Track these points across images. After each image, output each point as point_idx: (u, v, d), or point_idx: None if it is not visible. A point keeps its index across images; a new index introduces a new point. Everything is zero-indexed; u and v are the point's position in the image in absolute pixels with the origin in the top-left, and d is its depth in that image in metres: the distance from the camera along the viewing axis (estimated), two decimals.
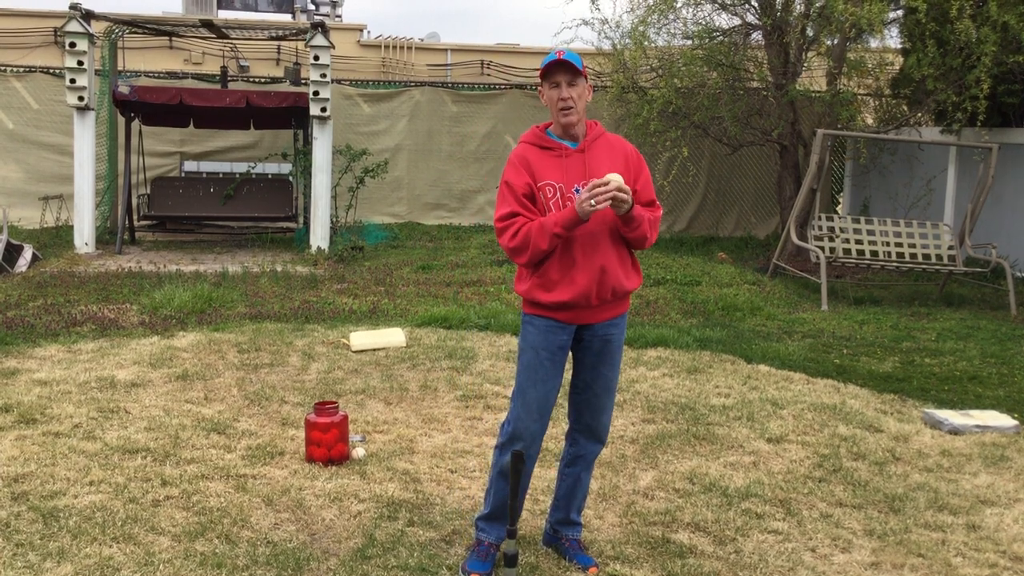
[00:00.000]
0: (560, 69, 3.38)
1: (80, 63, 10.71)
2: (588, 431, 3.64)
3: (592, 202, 3.23)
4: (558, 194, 3.40)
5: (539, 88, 3.52)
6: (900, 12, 11.70)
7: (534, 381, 3.48)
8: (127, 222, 11.98)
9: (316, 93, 11.04)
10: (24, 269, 9.93)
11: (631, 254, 3.55)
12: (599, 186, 3.23)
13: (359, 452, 4.70)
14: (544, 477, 4.47)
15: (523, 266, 3.49)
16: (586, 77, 3.47)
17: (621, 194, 3.26)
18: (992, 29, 9.96)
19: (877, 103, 13.01)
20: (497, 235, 3.47)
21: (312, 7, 18.44)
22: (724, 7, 12.34)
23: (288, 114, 12.10)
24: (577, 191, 3.39)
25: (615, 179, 3.27)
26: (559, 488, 3.74)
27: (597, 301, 3.44)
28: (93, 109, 11.15)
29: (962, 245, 10.24)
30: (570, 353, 3.59)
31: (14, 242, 10.44)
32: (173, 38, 14.41)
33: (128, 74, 13.66)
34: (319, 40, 10.99)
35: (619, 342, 3.57)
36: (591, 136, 3.50)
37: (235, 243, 12.58)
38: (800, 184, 11.49)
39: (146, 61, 14.75)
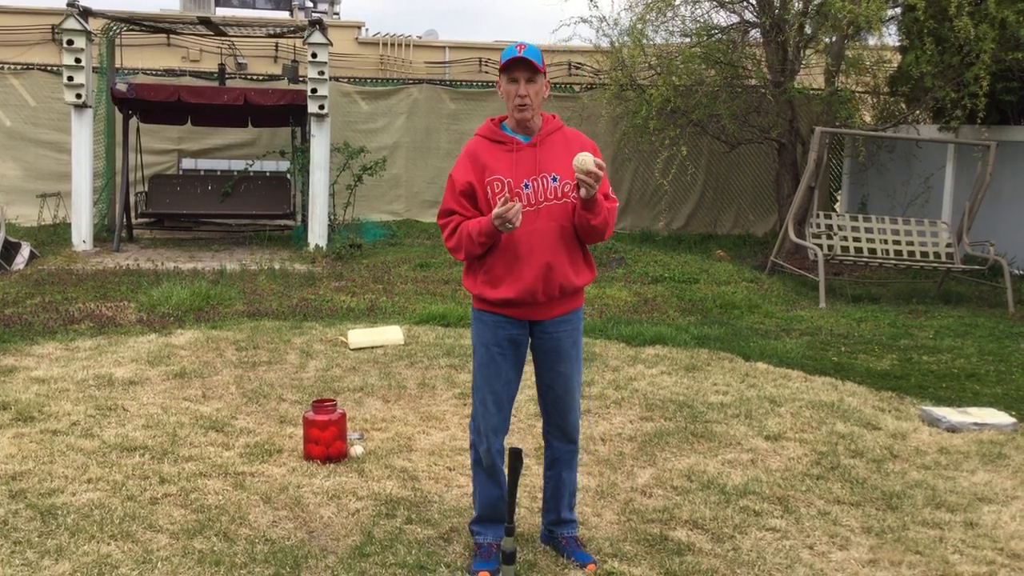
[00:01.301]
0: (520, 66, 3.37)
1: (78, 60, 10.70)
2: (559, 431, 3.64)
3: (508, 225, 3.26)
4: (506, 189, 3.39)
5: (496, 81, 3.51)
6: (899, 9, 11.69)
7: (487, 377, 3.50)
8: (125, 220, 11.96)
9: (314, 91, 11.03)
10: (22, 267, 9.92)
11: (583, 250, 3.54)
12: (510, 210, 3.23)
13: (357, 450, 4.70)
14: (542, 475, 4.46)
15: (465, 261, 3.50)
16: (544, 72, 3.45)
17: (589, 178, 3.25)
18: (991, 26, 9.96)
19: (875, 101, 13.01)
20: (440, 230, 3.52)
21: (310, 4, 18.42)
22: (722, 5, 12.33)
23: (286, 112, 12.08)
24: (526, 186, 3.39)
25: (584, 160, 3.24)
26: (545, 491, 3.75)
27: (544, 298, 3.44)
28: (91, 107, 11.13)
29: (960, 243, 10.25)
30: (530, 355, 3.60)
31: (12, 240, 10.42)
32: (171, 35, 14.38)
33: (126, 71, 13.63)
34: (317, 38, 10.98)
35: (572, 339, 3.55)
36: (546, 130, 3.49)
37: (233, 241, 12.57)
38: (798, 182, 11.49)
39: (144, 58, 14.73)
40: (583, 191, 3.30)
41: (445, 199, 3.50)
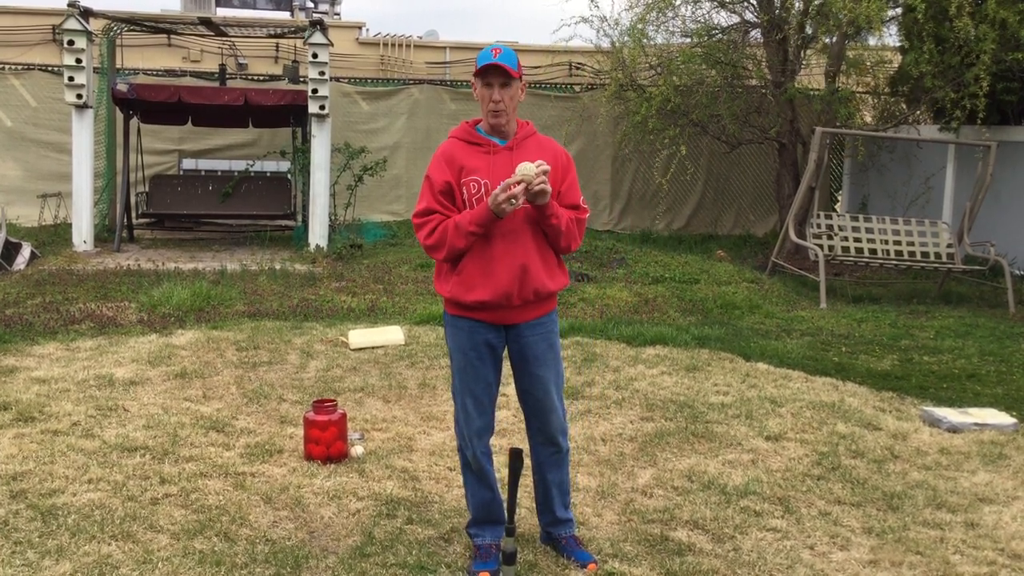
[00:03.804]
0: (494, 72, 3.37)
1: (78, 61, 10.70)
2: (541, 435, 3.63)
3: (513, 201, 3.25)
4: (482, 190, 3.39)
5: (472, 82, 3.50)
6: (899, 10, 11.69)
7: (467, 382, 3.50)
8: (125, 220, 11.96)
9: (315, 91, 11.03)
10: (22, 267, 9.92)
11: (556, 255, 3.54)
12: (514, 184, 3.23)
13: (358, 450, 4.71)
14: None
15: (442, 262, 3.50)
16: (520, 77, 3.44)
17: (542, 185, 3.26)
18: (991, 27, 9.95)
19: (876, 101, 13.01)
20: (415, 230, 3.48)
21: (311, 5, 18.43)
22: (723, 5, 12.33)
23: (287, 112, 12.08)
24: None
25: (526, 169, 3.24)
26: (536, 495, 3.75)
27: (519, 301, 3.44)
28: (91, 107, 11.13)
29: (960, 243, 10.25)
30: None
31: (12, 240, 10.43)
32: (171, 36, 14.39)
33: (126, 72, 13.64)
34: (317, 38, 10.98)
35: (548, 342, 3.54)
36: (521, 135, 3.50)
37: (233, 241, 12.57)
38: (799, 182, 11.48)
39: (144, 59, 14.73)
40: (539, 199, 3.31)
41: (423, 198, 3.46)
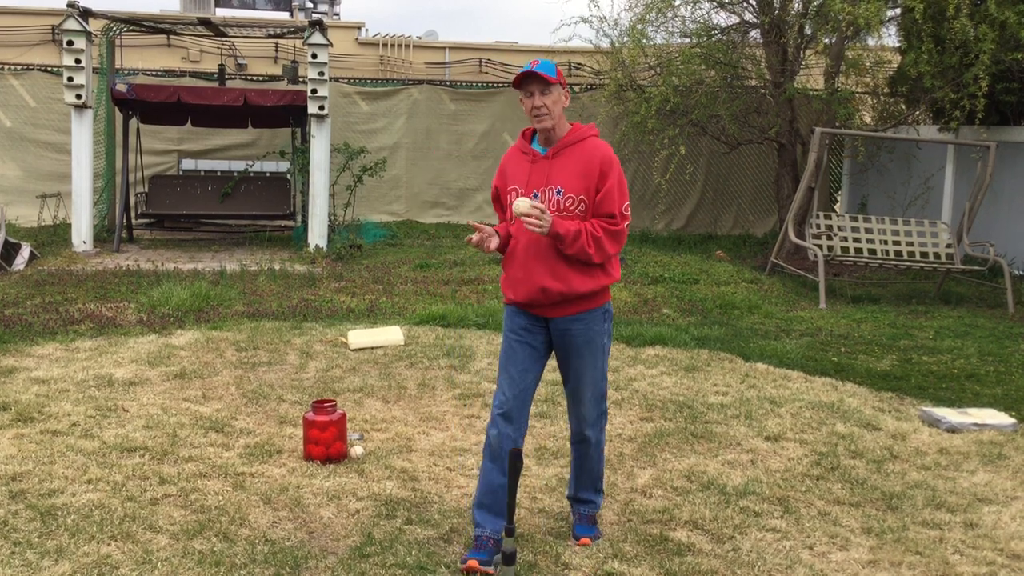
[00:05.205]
0: (532, 80, 3.56)
1: (78, 61, 10.70)
2: (574, 418, 3.82)
3: (484, 247, 3.59)
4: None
5: (520, 99, 3.72)
6: (898, 11, 11.70)
7: (504, 362, 3.71)
8: (125, 220, 11.97)
9: (314, 91, 11.03)
10: (22, 267, 9.92)
11: None
12: (473, 238, 3.57)
13: (357, 450, 4.71)
14: (542, 475, 4.47)
15: None
16: (563, 84, 3.61)
17: (534, 220, 3.40)
18: (990, 27, 9.96)
19: (875, 101, 13.02)
20: None
21: (310, 5, 18.43)
22: (722, 5, 12.34)
23: (286, 112, 12.09)
24: (535, 196, 3.58)
25: (520, 208, 3.40)
26: (572, 463, 3.93)
27: (547, 301, 3.62)
28: (91, 107, 11.13)
29: (960, 243, 10.25)
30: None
31: (12, 240, 10.42)
32: (171, 36, 14.39)
33: (126, 72, 13.64)
34: (317, 38, 10.98)
35: (584, 336, 3.66)
36: (564, 142, 3.62)
37: (233, 241, 12.57)
38: (798, 182, 11.49)
39: (144, 59, 14.74)
40: (535, 231, 3.47)
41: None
